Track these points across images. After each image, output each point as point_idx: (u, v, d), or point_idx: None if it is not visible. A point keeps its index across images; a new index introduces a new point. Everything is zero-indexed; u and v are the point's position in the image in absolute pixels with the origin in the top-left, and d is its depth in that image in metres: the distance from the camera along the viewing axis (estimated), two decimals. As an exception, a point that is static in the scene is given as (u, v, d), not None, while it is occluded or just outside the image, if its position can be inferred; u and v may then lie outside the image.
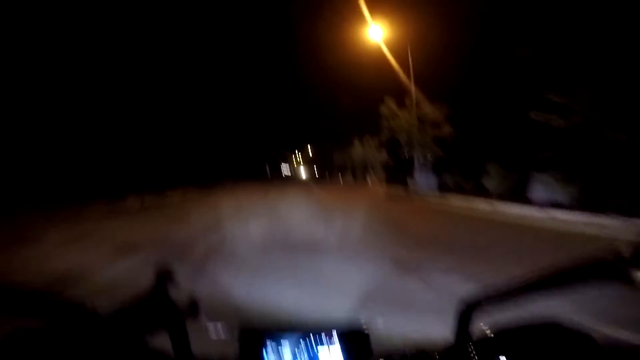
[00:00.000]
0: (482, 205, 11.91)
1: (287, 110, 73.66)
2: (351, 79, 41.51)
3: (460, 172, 17.01)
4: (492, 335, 0.74)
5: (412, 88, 19.86)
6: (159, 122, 28.13)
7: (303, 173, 67.99)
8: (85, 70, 20.95)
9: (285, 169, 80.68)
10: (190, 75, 35.15)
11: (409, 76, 20.15)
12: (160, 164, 24.94)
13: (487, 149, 16.90)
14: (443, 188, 18.14)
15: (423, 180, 18.72)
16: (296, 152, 76.62)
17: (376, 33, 20.05)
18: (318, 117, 70.28)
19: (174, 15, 36.43)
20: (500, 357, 0.68)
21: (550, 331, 0.71)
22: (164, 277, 0.78)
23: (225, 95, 43.33)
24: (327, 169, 55.83)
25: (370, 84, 33.42)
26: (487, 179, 13.74)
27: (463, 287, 3.67)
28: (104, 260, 5.45)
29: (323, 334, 0.88)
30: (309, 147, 69.21)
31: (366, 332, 0.90)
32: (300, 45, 55.66)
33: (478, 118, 18.22)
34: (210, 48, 44.53)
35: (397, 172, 28.97)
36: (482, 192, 15.07)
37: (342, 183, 34.72)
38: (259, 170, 64.14)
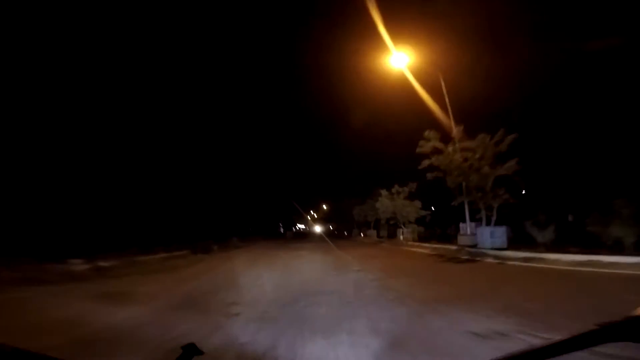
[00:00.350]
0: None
1: (302, 164, 71.42)
2: (373, 124, 38.68)
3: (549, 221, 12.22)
4: None
5: (450, 115, 16.07)
6: (158, 178, 25.08)
7: (320, 231, 63.10)
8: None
9: (300, 227, 76.02)
10: (199, 128, 32.85)
11: (444, 110, 16.51)
12: (150, 221, 21.11)
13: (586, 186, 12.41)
14: (517, 242, 13.31)
15: (485, 234, 13.91)
16: (312, 209, 72.49)
17: (400, 61, 16.81)
18: (335, 169, 67.53)
19: (187, 68, 35.45)
20: None
21: None
22: (189, 349, 0.81)
23: (234, 149, 40.76)
24: (346, 226, 50.97)
25: (397, 125, 30.23)
26: (616, 226, 8.99)
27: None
28: None
29: None
30: (325, 203, 65.24)
31: None
32: (314, 93, 54.67)
33: (555, 148, 14.04)
34: (220, 95, 43.31)
35: (436, 226, 24.11)
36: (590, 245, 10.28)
37: (366, 241, 29.70)
38: (271, 229, 59.71)
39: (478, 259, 11.83)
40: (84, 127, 19.66)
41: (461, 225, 19.92)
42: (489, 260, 11.37)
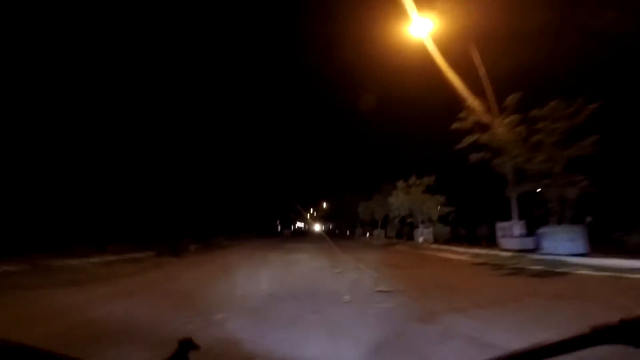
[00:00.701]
0: None
1: (302, 159, 67.58)
2: (383, 109, 34.51)
3: None
4: None
5: (488, 89, 12.25)
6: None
7: (320, 229, 59.26)
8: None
9: (299, 225, 72.24)
10: (190, 115, 28.98)
11: (477, 88, 12.67)
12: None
13: None
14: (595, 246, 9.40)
15: (557, 235, 9.99)
16: (311, 207, 68.44)
17: (421, 29, 13.34)
18: (338, 163, 63.46)
19: (187, 68, 31.80)
20: None
21: None
22: (186, 344, 0.77)
23: (230, 142, 36.85)
24: (348, 224, 47.01)
25: (412, 109, 26.34)
26: None
27: None
28: None
29: None
30: (325, 201, 61.30)
31: None
32: (317, 72, 50.56)
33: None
34: (215, 81, 39.48)
35: (460, 226, 20.16)
36: None
37: (375, 243, 25.74)
38: (268, 227, 55.80)
39: (562, 270, 7.89)
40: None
41: (499, 224, 16.03)
42: (585, 272, 7.47)
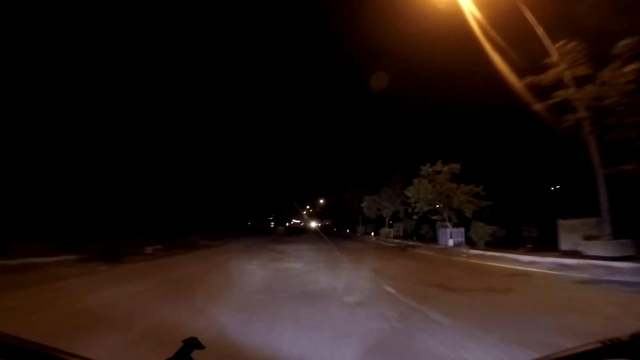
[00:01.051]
0: None
1: (299, 152, 63.31)
2: (396, 86, 30.30)
3: None
4: None
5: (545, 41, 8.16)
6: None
7: (316, 226, 55.05)
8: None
9: (295, 222, 68.04)
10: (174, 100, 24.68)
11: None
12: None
13: None
14: None
15: None
16: (308, 204, 64.05)
17: None
18: (339, 154, 59.25)
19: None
20: None
21: None
22: (190, 343, 0.74)
23: (222, 135, 32.77)
24: (347, 221, 42.81)
25: (432, 84, 22.36)
26: None
27: None
28: None
29: None
30: (322, 197, 57.04)
31: None
32: (321, 42, 46.14)
33: None
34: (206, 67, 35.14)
35: (496, 223, 15.88)
36: None
37: (384, 244, 21.60)
38: (260, 223, 51.54)
39: None
40: None
41: (564, 222, 11.96)
42: None
